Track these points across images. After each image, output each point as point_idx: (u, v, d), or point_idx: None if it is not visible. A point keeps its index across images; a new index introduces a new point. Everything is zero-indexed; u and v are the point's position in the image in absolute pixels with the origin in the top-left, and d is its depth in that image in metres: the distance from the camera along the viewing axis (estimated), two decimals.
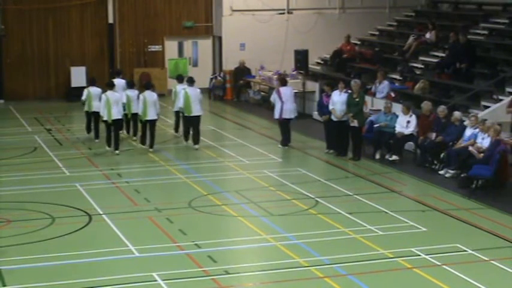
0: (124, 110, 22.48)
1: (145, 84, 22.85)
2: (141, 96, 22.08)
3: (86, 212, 16.19)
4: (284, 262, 13.11)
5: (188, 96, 22.21)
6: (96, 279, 12.55)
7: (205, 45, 33.20)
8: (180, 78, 24.10)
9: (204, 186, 18.28)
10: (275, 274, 12.73)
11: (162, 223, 15.45)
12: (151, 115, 21.88)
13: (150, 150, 21.95)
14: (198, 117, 22.34)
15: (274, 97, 22.81)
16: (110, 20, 31.96)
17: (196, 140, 22.39)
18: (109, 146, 22.00)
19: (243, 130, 25.59)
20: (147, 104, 21.79)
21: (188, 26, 32.71)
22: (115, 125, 21.81)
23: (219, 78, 31.81)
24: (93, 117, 23.35)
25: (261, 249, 14.17)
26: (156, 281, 12.47)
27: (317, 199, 16.98)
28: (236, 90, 31.47)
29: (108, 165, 20.38)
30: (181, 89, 22.81)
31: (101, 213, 16.15)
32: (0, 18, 31.11)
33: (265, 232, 14.80)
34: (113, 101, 21.66)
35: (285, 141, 22.51)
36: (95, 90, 23.31)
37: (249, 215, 15.99)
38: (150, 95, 21.93)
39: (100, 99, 22.25)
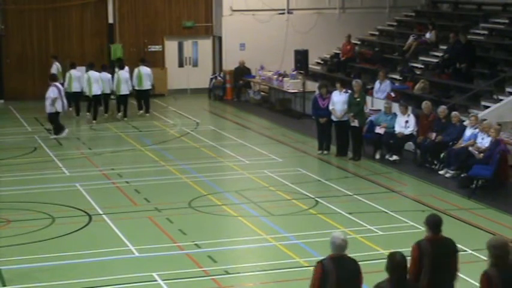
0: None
1: (102, 66, 27.67)
2: (96, 75, 26.71)
3: (86, 212, 16.20)
4: (284, 262, 13.12)
5: (141, 74, 27.55)
6: (96, 279, 12.56)
7: (205, 45, 33.19)
8: (120, 60, 28.86)
9: (204, 186, 18.28)
10: (275, 274, 12.73)
11: (162, 223, 15.46)
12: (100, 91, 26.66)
13: (94, 122, 26.56)
14: (147, 90, 27.87)
15: (55, 93, 23.70)
16: (110, 20, 31.95)
17: (146, 109, 27.90)
18: (94, 118, 26.59)
19: (243, 130, 25.60)
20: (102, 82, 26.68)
21: (188, 26, 32.71)
22: (95, 100, 26.68)
23: (219, 78, 31.80)
24: (74, 97, 27.29)
25: (261, 249, 14.17)
26: (156, 281, 12.48)
27: (317, 199, 16.98)
28: (236, 90, 31.47)
29: (108, 165, 20.39)
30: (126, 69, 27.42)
31: (101, 213, 16.16)
32: (0, 18, 31.12)
33: (265, 232, 14.80)
34: (93, 79, 26.46)
35: (59, 131, 24.14)
36: (75, 73, 27.47)
37: (249, 215, 16.00)
38: (105, 75, 26.85)
39: (78, 81, 27.22)
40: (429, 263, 9.16)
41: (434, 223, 9.51)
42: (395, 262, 8.19)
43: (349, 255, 8.71)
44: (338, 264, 8.52)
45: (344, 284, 8.50)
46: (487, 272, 8.38)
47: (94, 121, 26.55)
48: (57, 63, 29.16)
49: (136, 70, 27.71)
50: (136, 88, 27.74)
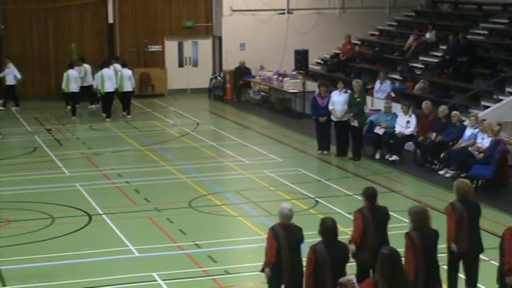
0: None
1: (100, 65, 27.98)
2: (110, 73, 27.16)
3: (86, 212, 16.20)
4: None
5: (123, 76, 27.52)
6: (96, 279, 12.57)
7: (205, 45, 33.19)
8: (82, 59, 29.32)
9: (204, 186, 18.28)
10: None
11: (162, 223, 15.46)
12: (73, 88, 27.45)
13: (107, 119, 27.03)
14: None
15: None
16: (110, 20, 31.94)
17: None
18: (106, 115, 26.97)
19: (243, 130, 25.60)
20: (70, 79, 27.48)
21: (188, 26, 32.69)
22: (107, 97, 27.02)
23: (219, 78, 31.79)
24: (73, 97, 27.48)
25: (261, 249, 14.04)
26: (156, 281, 12.49)
27: (317, 199, 16.98)
28: (236, 90, 31.46)
29: (108, 165, 20.40)
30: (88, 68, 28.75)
31: (101, 213, 16.16)
32: (0, 18, 31.10)
33: (265, 232, 14.74)
34: (106, 77, 26.79)
35: None
36: (72, 73, 27.61)
37: (249, 215, 16.00)
38: (73, 73, 27.68)
39: (76, 81, 27.50)
40: (369, 227, 10.75)
41: (370, 195, 10.97)
42: (326, 226, 9.60)
43: None
44: (287, 231, 10.16)
45: (293, 248, 10.08)
46: (410, 235, 10.00)
47: (108, 118, 27.01)
48: (11, 65, 29.11)
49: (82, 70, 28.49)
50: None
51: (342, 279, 8.33)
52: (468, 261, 11.29)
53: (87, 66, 28.87)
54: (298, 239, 10.20)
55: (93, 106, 29.01)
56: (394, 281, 8.22)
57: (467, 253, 11.16)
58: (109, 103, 27.26)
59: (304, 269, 9.77)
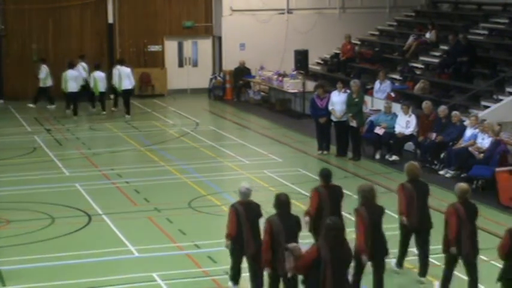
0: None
1: (95, 65, 28.47)
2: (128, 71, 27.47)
3: (85, 212, 16.20)
4: None
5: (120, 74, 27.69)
6: (96, 279, 12.57)
7: (205, 45, 33.18)
8: (42, 60, 29.43)
9: (204, 186, 18.28)
10: None
11: (162, 223, 15.46)
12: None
13: (127, 116, 27.25)
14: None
15: None
16: (110, 20, 31.94)
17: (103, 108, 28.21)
18: (128, 113, 27.20)
19: (243, 130, 25.59)
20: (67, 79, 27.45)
21: (188, 26, 32.69)
22: (125, 94, 27.24)
23: (219, 78, 31.79)
24: (71, 97, 27.47)
25: None
26: (156, 281, 12.48)
27: None
28: (236, 90, 31.45)
29: (108, 165, 20.39)
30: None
31: (101, 213, 16.16)
32: (0, 18, 31.10)
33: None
34: (124, 75, 27.13)
35: None
36: (72, 73, 27.62)
37: None
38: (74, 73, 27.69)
39: (75, 81, 27.52)
40: (325, 203, 12.19)
41: (325, 175, 12.44)
42: (280, 200, 10.80)
43: None
44: (246, 207, 11.32)
45: (252, 223, 11.20)
46: (358, 210, 11.33)
47: (128, 116, 27.25)
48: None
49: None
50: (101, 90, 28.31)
51: (289, 245, 9.63)
52: (419, 236, 12.55)
53: (47, 68, 28.99)
54: (256, 215, 11.34)
55: (53, 107, 28.94)
56: (334, 247, 9.13)
57: (418, 227, 12.48)
58: (127, 100, 27.38)
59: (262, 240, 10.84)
